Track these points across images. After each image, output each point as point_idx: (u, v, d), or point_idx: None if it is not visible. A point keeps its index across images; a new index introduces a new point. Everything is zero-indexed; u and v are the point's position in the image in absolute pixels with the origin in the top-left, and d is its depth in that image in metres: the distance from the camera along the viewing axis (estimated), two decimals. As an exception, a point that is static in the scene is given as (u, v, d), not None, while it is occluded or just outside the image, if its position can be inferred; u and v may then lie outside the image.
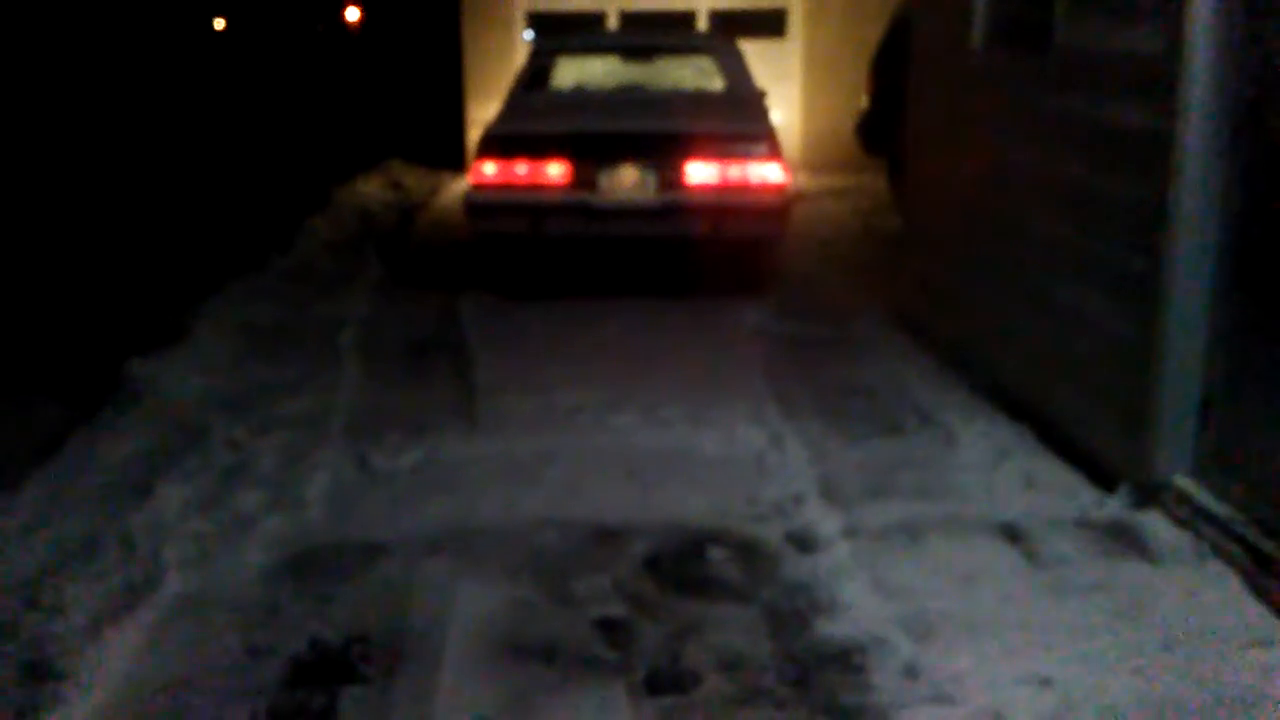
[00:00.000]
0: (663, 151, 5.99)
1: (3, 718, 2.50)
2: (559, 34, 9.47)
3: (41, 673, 2.65)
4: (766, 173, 6.01)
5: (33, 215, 5.00)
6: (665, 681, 2.65)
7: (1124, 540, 3.30)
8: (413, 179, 10.29)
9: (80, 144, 5.44)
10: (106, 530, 3.36)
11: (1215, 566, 3.10)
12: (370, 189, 9.59)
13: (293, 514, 3.53)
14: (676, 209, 5.97)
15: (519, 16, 11.13)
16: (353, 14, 18.89)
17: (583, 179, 5.99)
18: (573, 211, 6.00)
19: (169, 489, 3.64)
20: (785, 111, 10.51)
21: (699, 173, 5.98)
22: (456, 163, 10.57)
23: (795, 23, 11.13)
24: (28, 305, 4.85)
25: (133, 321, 5.19)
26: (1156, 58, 3.40)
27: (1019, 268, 4.39)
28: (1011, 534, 3.35)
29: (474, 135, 9.11)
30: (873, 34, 9.05)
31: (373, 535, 3.40)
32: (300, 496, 3.65)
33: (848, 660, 2.73)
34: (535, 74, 7.29)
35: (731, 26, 10.07)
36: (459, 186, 9.28)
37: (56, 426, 4.25)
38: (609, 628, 2.89)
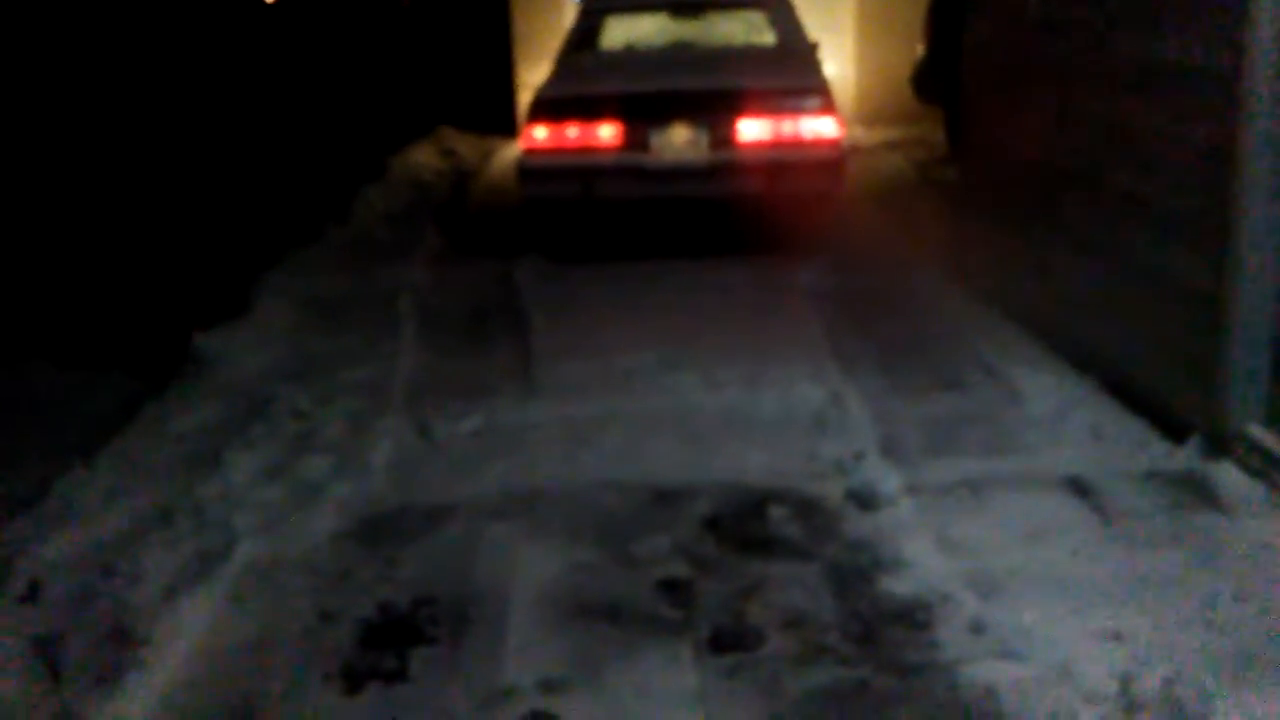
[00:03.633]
0: (714, 109, 5.93)
1: (86, 681, 2.58)
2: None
3: (121, 638, 2.73)
4: (820, 127, 5.93)
5: (93, 191, 5.10)
6: (729, 640, 2.66)
7: (1195, 491, 3.24)
8: (465, 146, 10.31)
9: (137, 119, 5.54)
10: (179, 499, 3.44)
11: (1290, 517, 3.04)
12: (423, 158, 9.62)
13: (358, 480, 3.59)
14: (730, 167, 5.92)
15: (567, -23, 11.05)
16: (401, -18, 18.90)
17: (634, 140, 5.95)
18: (625, 173, 5.97)
19: (238, 458, 3.72)
20: (838, 64, 10.35)
21: (752, 130, 5.91)
22: (508, 128, 10.56)
23: (847, -28, 10.92)
24: (93, 281, 4.97)
25: (196, 295, 5.28)
26: (1225, -6, 3.28)
27: (1082, 217, 4.29)
28: (1079, 487, 3.30)
29: (524, 99, 9.10)
30: (927, -19, 8.84)
31: (436, 500, 3.45)
32: (365, 463, 3.71)
33: (912, 617, 2.71)
34: (584, 35, 7.24)
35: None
36: (510, 152, 9.28)
37: (127, 400, 4.35)
38: (671, 588, 2.90)
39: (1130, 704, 2.36)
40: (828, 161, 5.93)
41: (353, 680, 2.59)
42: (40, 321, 4.74)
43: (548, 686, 2.52)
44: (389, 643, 2.72)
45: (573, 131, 6.02)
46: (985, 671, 2.49)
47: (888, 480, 3.39)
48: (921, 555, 2.99)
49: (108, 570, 3.03)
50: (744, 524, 3.22)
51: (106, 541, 3.21)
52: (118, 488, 3.58)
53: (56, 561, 3.10)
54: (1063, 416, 3.80)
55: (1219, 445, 3.38)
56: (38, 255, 4.88)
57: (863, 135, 9.83)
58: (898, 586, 2.85)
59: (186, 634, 2.77)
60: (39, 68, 5.03)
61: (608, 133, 5.99)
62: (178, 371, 4.61)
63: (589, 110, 6.02)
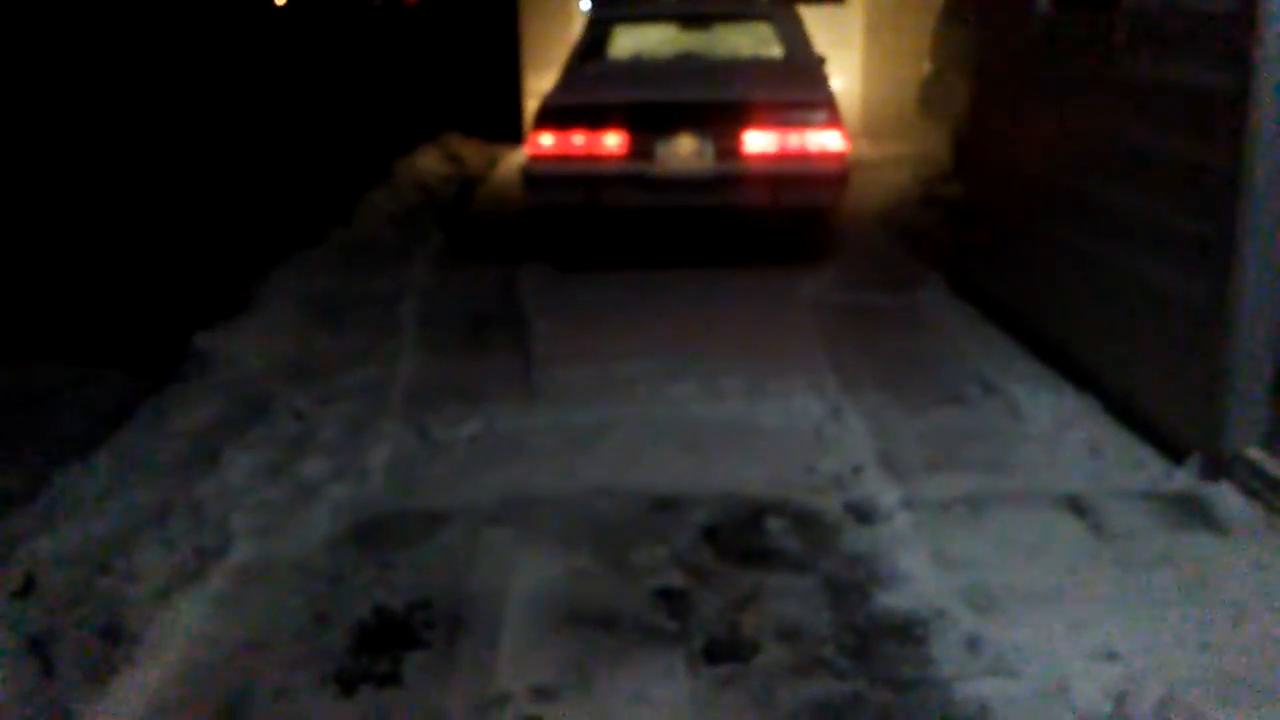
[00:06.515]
0: (720, 121, 5.94)
1: (78, 678, 2.58)
2: (616, 3, 9.40)
3: (114, 636, 2.72)
4: (826, 141, 5.94)
5: (98, 190, 5.12)
6: (724, 651, 2.66)
7: (1193, 512, 3.24)
8: (470, 151, 10.33)
9: (144, 119, 5.56)
10: (176, 498, 3.43)
11: (1288, 540, 3.03)
12: (428, 162, 9.63)
13: (356, 483, 3.59)
14: (734, 178, 5.93)
15: (576, -14, 11.09)
16: (411, -13, 18.97)
17: (640, 149, 5.96)
18: (630, 182, 5.98)
19: (236, 458, 3.71)
20: (845, 78, 10.36)
21: (757, 141, 5.92)
22: (514, 135, 10.58)
23: (855, -13, 10.95)
24: (96, 279, 4.98)
25: (198, 294, 5.29)
26: (1228, 16, 3.29)
27: (1086, 234, 4.29)
28: (1077, 506, 3.30)
29: (531, 107, 9.13)
30: (935, -3, 8.88)
31: (434, 504, 3.44)
32: (363, 466, 3.70)
33: (908, 632, 2.71)
34: (592, 44, 7.26)
35: (790, -8, 9.91)
36: (516, 158, 9.30)
37: (127, 397, 4.35)
38: (668, 597, 2.90)
39: (1124, 723, 2.35)
40: (832, 175, 5.94)
41: (345, 683, 2.58)
42: (41, 317, 4.75)
43: (541, 693, 2.52)
44: (383, 646, 2.71)
45: (578, 139, 6.03)
46: (980, 688, 2.49)
47: (886, 494, 3.39)
48: (918, 570, 2.98)
49: (103, 567, 3.02)
50: (742, 535, 3.22)
51: (102, 538, 3.20)
52: (115, 485, 3.57)
53: (52, 557, 3.10)
54: (1061, 434, 3.80)
55: (1217, 466, 3.38)
56: (40, 253, 4.89)
57: (868, 150, 9.84)
58: (894, 601, 2.85)
59: (180, 633, 2.77)
60: (45, 65, 5.05)
61: (613, 141, 6.00)
62: (178, 369, 4.60)
63: (595, 119, 6.03)
